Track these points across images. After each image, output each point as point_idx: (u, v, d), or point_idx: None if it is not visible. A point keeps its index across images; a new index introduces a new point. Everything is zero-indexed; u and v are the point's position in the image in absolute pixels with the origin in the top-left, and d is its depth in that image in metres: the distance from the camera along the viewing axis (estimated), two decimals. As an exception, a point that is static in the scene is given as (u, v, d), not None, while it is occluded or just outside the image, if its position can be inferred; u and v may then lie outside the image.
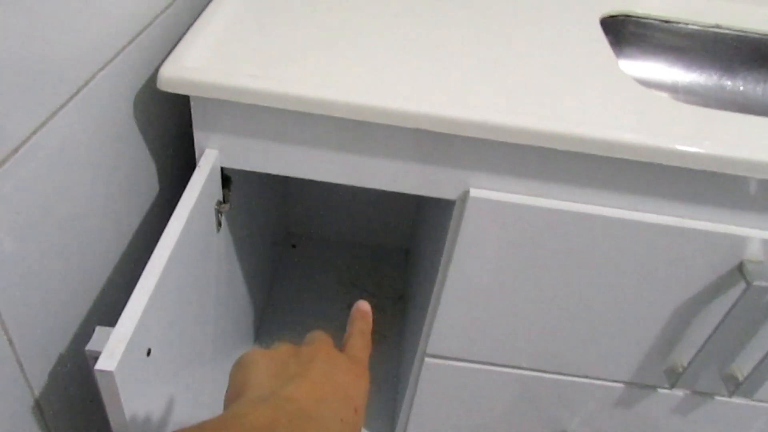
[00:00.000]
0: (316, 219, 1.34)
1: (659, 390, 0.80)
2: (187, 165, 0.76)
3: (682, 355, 0.75)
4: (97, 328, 0.46)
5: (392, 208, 1.30)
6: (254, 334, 1.11)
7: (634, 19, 0.86)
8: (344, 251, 1.35)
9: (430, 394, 0.85)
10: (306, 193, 1.29)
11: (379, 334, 1.18)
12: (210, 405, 0.71)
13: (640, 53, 0.88)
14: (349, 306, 1.29)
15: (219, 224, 0.66)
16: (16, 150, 0.42)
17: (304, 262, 1.32)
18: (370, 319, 0.46)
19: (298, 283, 1.27)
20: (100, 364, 0.40)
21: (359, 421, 0.39)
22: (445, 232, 0.68)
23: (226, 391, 0.40)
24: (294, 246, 1.35)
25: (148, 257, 0.49)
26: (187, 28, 0.63)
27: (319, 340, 0.43)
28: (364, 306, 0.47)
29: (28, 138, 0.43)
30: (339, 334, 0.46)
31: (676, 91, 0.89)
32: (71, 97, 0.48)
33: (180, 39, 0.61)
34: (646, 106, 0.62)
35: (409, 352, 0.94)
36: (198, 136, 0.61)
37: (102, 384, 0.41)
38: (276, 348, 0.41)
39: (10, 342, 0.44)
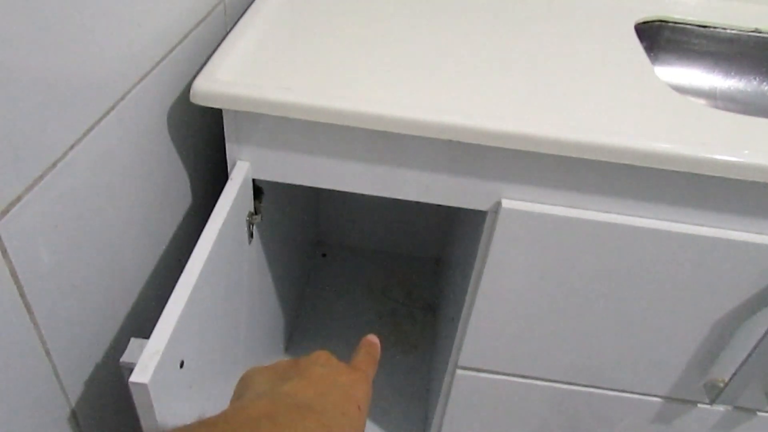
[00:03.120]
0: (347, 228, 1.34)
1: (699, 405, 0.78)
2: (219, 177, 0.77)
3: (724, 370, 0.72)
4: (132, 340, 0.47)
5: (422, 217, 1.30)
6: (285, 343, 1.12)
7: (669, 24, 0.84)
8: (374, 261, 1.35)
9: (461, 406, 0.84)
10: (336, 203, 1.30)
11: (409, 344, 1.18)
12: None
13: (676, 59, 0.86)
14: (380, 315, 1.29)
15: (251, 235, 0.67)
16: (54, 165, 0.42)
17: (334, 271, 1.32)
18: (378, 350, 0.46)
19: (329, 292, 1.27)
20: (135, 377, 0.40)
21: (362, 419, 0.38)
22: (477, 243, 0.67)
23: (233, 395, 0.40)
24: (324, 255, 1.35)
25: (181, 268, 0.50)
26: (219, 43, 0.64)
27: (319, 352, 0.43)
28: (372, 338, 0.47)
29: (66, 153, 0.44)
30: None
31: (714, 98, 0.87)
32: (108, 112, 0.49)
33: (212, 53, 0.62)
34: (683, 114, 0.60)
35: (440, 364, 0.93)
36: (230, 148, 0.62)
37: (136, 396, 0.41)
38: (275, 363, 0.42)
39: (48, 353, 0.45)
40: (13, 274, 0.40)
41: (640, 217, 0.61)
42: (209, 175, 0.75)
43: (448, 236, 1.19)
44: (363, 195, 0.64)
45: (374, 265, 1.34)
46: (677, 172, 0.57)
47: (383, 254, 1.37)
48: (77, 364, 0.50)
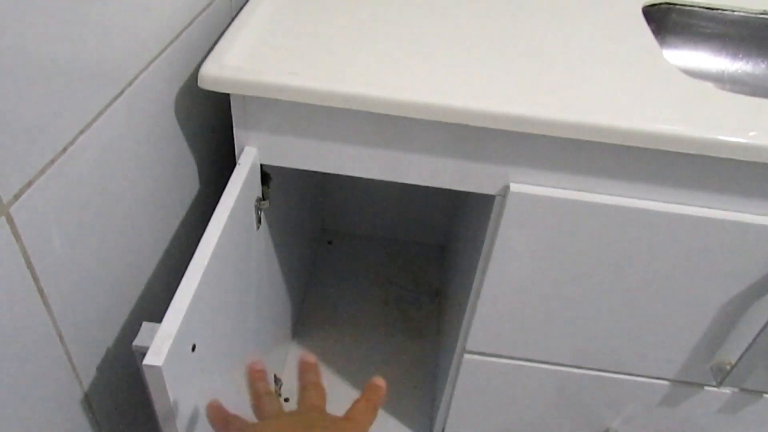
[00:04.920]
0: (352, 216, 1.34)
1: (706, 388, 0.78)
2: (227, 162, 0.77)
3: (730, 352, 0.73)
4: (144, 324, 0.47)
5: (428, 204, 1.30)
6: (292, 329, 1.12)
7: (677, 7, 0.84)
8: (380, 247, 1.35)
9: (469, 390, 0.84)
10: (342, 190, 1.30)
11: (415, 330, 1.18)
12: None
13: (684, 42, 0.86)
14: (386, 302, 1.29)
15: (259, 221, 0.67)
16: (64, 150, 0.43)
17: (340, 258, 1.32)
18: (382, 394, 0.46)
19: (335, 279, 1.27)
20: (148, 359, 0.41)
21: None
22: (485, 228, 0.67)
23: None
24: (330, 242, 1.35)
25: (190, 253, 0.50)
26: (226, 28, 0.63)
27: (312, 406, 0.44)
28: (378, 381, 0.46)
29: (75, 138, 0.44)
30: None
31: (722, 80, 0.86)
32: (116, 97, 0.49)
33: (219, 38, 0.61)
34: (692, 97, 0.60)
35: (447, 349, 0.93)
36: (238, 133, 0.62)
37: (149, 378, 0.42)
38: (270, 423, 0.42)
39: (61, 337, 0.45)
40: (26, 258, 0.40)
41: (649, 199, 0.61)
42: (217, 160, 0.75)
43: (453, 222, 1.19)
44: (368, 182, 0.64)
45: (380, 251, 1.34)
46: (685, 154, 0.57)
47: (389, 241, 1.37)
48: (89, 348, 0.50)
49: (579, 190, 0.62)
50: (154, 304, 0.62)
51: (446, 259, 1.26)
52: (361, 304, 1.23)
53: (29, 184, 0.39)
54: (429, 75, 0.59)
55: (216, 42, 0.61)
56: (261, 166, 0.64)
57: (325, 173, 1.10)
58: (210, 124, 0.72)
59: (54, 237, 0.43)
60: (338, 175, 1.15)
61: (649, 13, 0.78)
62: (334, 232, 1.38)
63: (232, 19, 0.65)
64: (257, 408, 0.45)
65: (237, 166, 0.60)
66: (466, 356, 0.79)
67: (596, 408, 0.84)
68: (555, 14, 0.74)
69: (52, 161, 0.41)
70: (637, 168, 0.59)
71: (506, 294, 0.71)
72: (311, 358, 0.48)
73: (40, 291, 0.42)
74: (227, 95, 0.59)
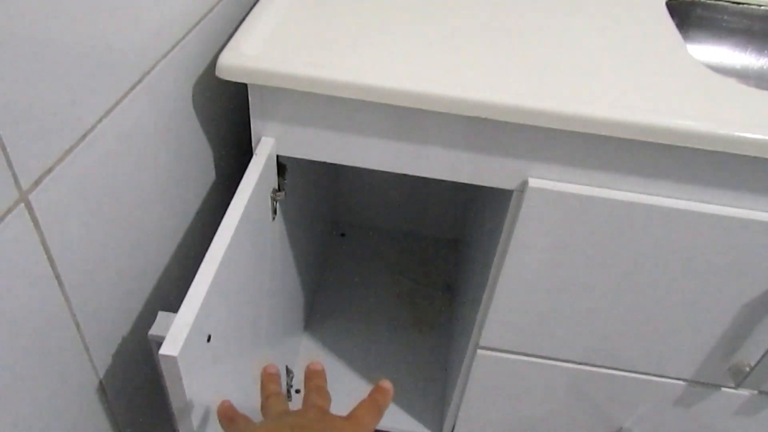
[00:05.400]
0: (365, 208, 1.34)
1: (723, 389, 0.77)
2: (243, 152, 0.77)
3: (750, 354, 0.72)
4: (159, 314, 0.47)
5: (441, 197, 1.29)
6: (304, 320, 1.12)
7: (701, 1, 0.82)
8: (393, 240, 1.35)
9: (481, 386, 0.84)
10: (355, 182, 1.29)
11: (427, 324, 1.18)
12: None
13: (708, 37, 0.84)
14: (397, 295, 1.28)
15: (274, 212, 0.66)
16: (83, 137, 0.42)
17: (353, 250, 1.32)
18: (389, 397, 0.46)
19: (347, 271, 1.27)
20: (164, 350, 0.40)
21: None
22: (501, 223, 0.67)
23: None
24: (343, 234, 1.35)
25: (205, 242, 0.50)
26: (244, 17, 0.63)
27: (313, 406, 0.44)
28: (385, 384, 0.46)
29: (94, 126, 0.44)
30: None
31: (746, 76, 0.84)
32: (134, 85, 0.49)
33: (237, 27, 0.61)
34: (716, 93, 0.59)
35: (459, 344, 0.93)
36: (255, 124, 0.61)
37: (165, 368, 0.41)
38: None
39: (78, 326, 0.45)
40: (45, 246, 0.40)
41: (670, 197, 0.60)
42: (233, 150, 0.75)
43: (467, 216, 1.18)
44: (382, 174, 0.64)
45: (392, 244, 1.34)
46: (708, 151, 0.56)
47: (401, 234, 1.36)
48: (105, 337, 0.50)
49: (599, 186, 0.61)
50: (169, 292, 0.62)
51: (459, 252, 1.26)
52: (372, 296, 1.22)
53: (49, 171, 0.39)
54: (448, 67, 0.58)
55: (234, 31, 0.61)
56: (277, 157, 0.64)
57: (338, 164, 1.09)
58: (227, 114, 0.71)
59: (71, 224, 0.43)
60: (352, 167, 1.14)
61: (672, 7, 0.76)
62: (347, 224, 1.37)
63: (251, 8, 0.65)
64: (265, 407, 0.47)
65: (254, 156, 0.60)
66: (479, 352, 0.79)
67: (610, 407, 0.84)
68: (578, 7, 0.72)
69: (71, 148, 0.41)
70: (659, 165, 0.58)
71: (521, 290, 0.70)
72: (318, 366, 0.50)
73: (58, 278, 0.42)
74: (244, 85, 0.58)
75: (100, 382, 0.50)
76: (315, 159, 0.63)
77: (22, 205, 0.37)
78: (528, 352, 0.78)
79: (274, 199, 0.65)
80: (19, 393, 0.40)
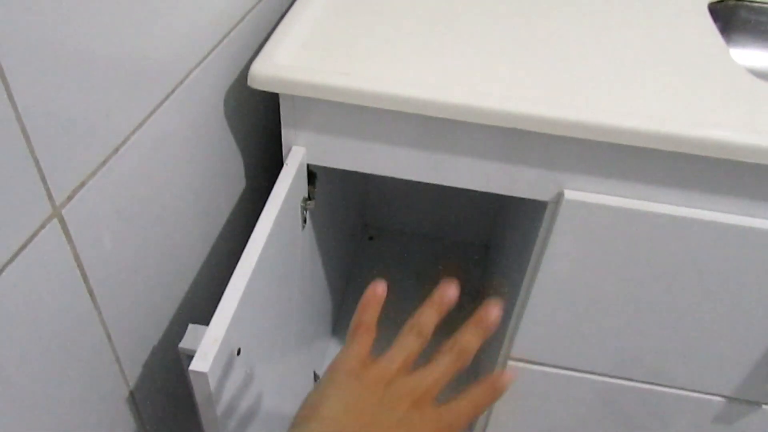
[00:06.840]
0: (394, 211, 1.33)
1: (764, 407, 0.75)
2: (272, 161, 0.77)
3: (794, 372, 0.69)
4: (190, 326, 0.47)
5: (472, 202, 1.28)
6: (332, 326, 1.12)
7: (745, 3, 0.79)
8: (422, 245, 1.34)
9: (511, 398, 0.82)
10: (384, 186, 1.29)
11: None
12: (292, 398, 0.71)
13: (752, 41, 0.81)
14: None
15: (304, 221, 0.66)
16: (116, 150, 0.42)
17: (381, 254, 1.31)
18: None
19: (375, 275, 1.25)
20: (194, 365, 0.40)
21: None
22: (536, 233, 0.65)
23: (305, 399, 0.37)
24: (371, 238, 1.34)
25: (235, 252, 0.50)
26: (275, 26, 0.63)
27: (416, 381, 0.39)
28: (494, 309, 0.39)
29: (128, 137, 0.44)
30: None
31: (793, 83, 0.81)
32: (167, 96, 0.49)
33: (268, 36, 0.61)
34: (761, 101, 0.56)
35: (489, 354, 0.91)
36: (286, 133, 0.61)
37: (195, 383, 0.41)
38: (365, 371, 0.38)
39: (109, 337, 0.45)
40: (77, 260, 0.40)
41: (712, 210, 0.58)
42: (263, 159, 0.74)
43: (499, 222, 1.16)
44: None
45: (421, 249, 1.33)
46: (753, 164, 0.54)
47: (431, 238, 1.35)
48: (136, 347, 0.50)
49: (637, 198, 0.59)
50: (199, 303, 0.62)
51: (490, 259, 1.24)
52: (401, 302, 1.21)
53: (82, 185, 0.39)
54: (481, 78, 0.57)
55: (265, 40, 0.60)
56: (308, 165, 0.64)
57: (369, 170, 1.09)
58: (257, 122, 0.71)
59: (104, 238, 0.43)
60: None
61: (715, 10, 0.74)
62: (375, 228, 1.36)
63: (281, 18, 0.64)
64: (348, 342, 0.42)
65: (285, 165, 0.60)
66: (510, 363, 0.77)
67: (643, 422, 0.81)
68: (618, 13, 0.70)
69: (105, 162, 0.41)
70: (700, 177, 0.56)
71: (555, 301, 0.68)
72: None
73: (90, 292, 0.42)
74: (275, 94, 0.58)
75: (131, 392, 0.51)
76: (346, 168, 0.63)
77: (55, 220, 0.37)
78: (560, 365, 0.76)
79: (304, 208, 0.65)
80: (51, 403, 0.40)
